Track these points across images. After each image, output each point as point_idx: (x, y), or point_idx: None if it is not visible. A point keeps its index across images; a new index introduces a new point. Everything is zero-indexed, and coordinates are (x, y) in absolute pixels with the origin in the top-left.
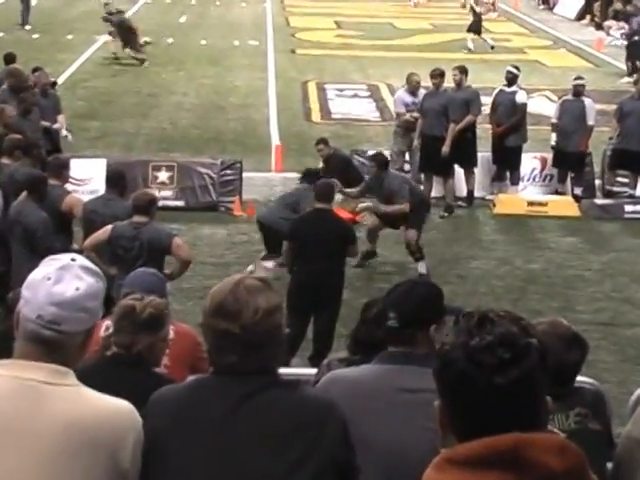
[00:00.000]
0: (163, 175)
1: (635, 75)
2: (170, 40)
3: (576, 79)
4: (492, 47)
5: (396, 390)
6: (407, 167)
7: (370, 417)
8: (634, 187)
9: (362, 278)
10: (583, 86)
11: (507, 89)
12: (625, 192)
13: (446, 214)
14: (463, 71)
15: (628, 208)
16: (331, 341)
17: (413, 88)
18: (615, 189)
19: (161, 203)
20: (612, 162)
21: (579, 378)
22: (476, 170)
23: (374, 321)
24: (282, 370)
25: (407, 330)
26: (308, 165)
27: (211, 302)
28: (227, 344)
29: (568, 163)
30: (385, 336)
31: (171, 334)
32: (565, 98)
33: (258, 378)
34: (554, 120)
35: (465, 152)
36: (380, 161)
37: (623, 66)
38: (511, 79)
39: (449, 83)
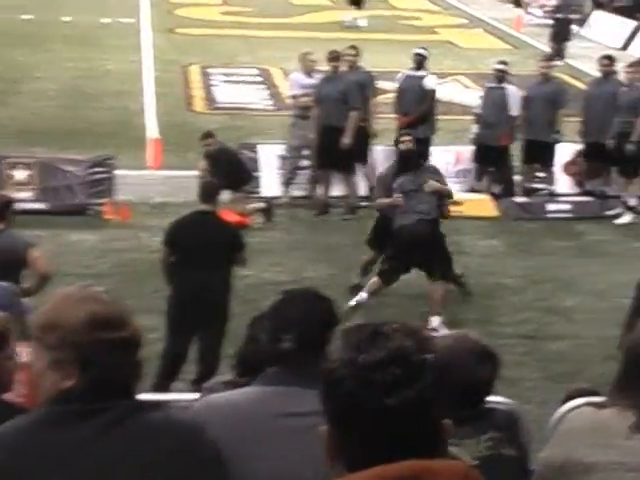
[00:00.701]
0: (21, 174)
1: (558, 58)
2: (27, 16)
3: (498, 63)
4: (358, 26)
5: (279, 415)
6: (306, 164)
7: (250, 446)
8: (551, 182)
9: (255, 290)
10: (505, 71)
11: (414, 73)
12: (545, 189)
13: (349, 216)
14: (356, 50)
15: (550, 207)
16: (217, 362)
17: (308, 68)
18: (535, 185)
19: (19, 206)
20: (525, 155)
21: (494, 398)
22: (380, 166)
23: (264, 339)
24: (161, 396)
25: (305, 352)
26: (190, 161)
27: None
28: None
29: (489, 158)
30: (277, 358)
31: (25, 356)
32: (488, 85)
33: (116, 402)
34: (476, 110)
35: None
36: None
37: (544, 47)
38: (419, 62)
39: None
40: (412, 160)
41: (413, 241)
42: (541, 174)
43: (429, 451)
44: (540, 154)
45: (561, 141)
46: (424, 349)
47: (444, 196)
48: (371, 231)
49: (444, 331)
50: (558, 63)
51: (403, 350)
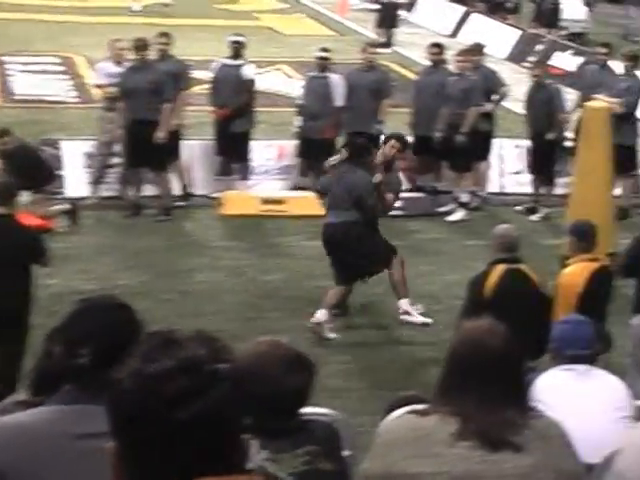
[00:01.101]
0: None
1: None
2: None
3: (321, 50)
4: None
5: (73, 436)
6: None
7: (39, 470)
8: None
9: (60, 300)
10: (328, 59)
11: (231, 62)
12: None
13: (163, 217)
14: (168, 38)
15: None
16: (15, 380)
17: (118, 57)
18: None
19: None
20: None
21: (315, 410)
22: (196, 162)
23: (60, 354)
24: None
25: (103, 367)
26: None
27: None
28: None
29: (313, 152)
30: (73, 375)
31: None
32: (310, 74)
33: None
34: (299, 101)
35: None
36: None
37: (370, 34)
38: (236, 50)
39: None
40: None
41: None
42: None
43: (225, 468)
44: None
45: (382, 132)
46: (219, 358)
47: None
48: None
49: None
50: (386, 51)
51: (195, 359)
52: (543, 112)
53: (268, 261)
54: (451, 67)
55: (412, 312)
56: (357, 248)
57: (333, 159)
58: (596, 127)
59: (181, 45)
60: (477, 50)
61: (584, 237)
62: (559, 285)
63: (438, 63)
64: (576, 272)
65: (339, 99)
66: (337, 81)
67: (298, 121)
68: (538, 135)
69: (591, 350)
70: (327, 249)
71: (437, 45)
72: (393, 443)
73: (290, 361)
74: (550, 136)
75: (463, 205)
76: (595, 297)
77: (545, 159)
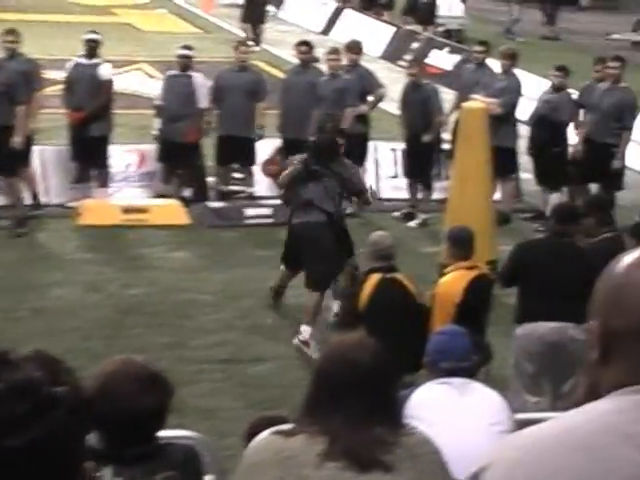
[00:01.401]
0: None
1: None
2: None
3: (182, 48)
4: None
5: None
6: None
7: None
8: (251, 184)
9: None
10: (190, 57)
11: (86, 61)
12: (243, 191)
13: (20, 230)
14: (15, 35)
15: (248, 212)
16: None
17: None
18: (232, 188)
19: None
20: (220, 154)
21: (175, 432)
22: (50, 169)
23: None
24: None
25: None
26: None
27: None
28: None
29: (176, 157)
30: None
31: None
32: (170, 73)
33: None
34: (157, 102)
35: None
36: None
37: (238, 31)
38: (91, 48)
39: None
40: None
41: None
42: (239, 175)
43: None
44: (238, 152)
45: (263, 137)
46: (58, 381)
47: None
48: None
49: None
50: (255, 49)
51: (30, 382)
52: (419, 113)
53: (130, 274)
54: (323, 66)
55: (311, 346)
56: (325, 249)
57: (295, 158)
58: (474, 129)
59: (31, 43)
60: (355, 48)
61: (461, 244)
62: (436, 295)
63: (307, 62)
64: (453, 281)
65: (203, 100)
66: (200, 81)
67: (158, 123)
68: (414, 137)
69: (468, 362)
70: (299, 247)
71: (305, 43)
72: (258, 466)
73: (143, 380)
74: (426, 138)
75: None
76: (474, 307)
77: (422, 162)
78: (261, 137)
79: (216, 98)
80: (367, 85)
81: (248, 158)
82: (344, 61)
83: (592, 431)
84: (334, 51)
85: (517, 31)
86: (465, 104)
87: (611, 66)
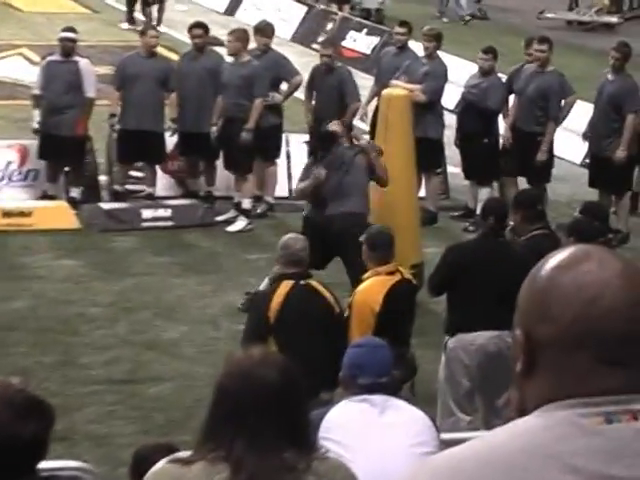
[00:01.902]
0: None
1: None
2: None
3: (65, 30)
4: None
5: None
6: None
7: None
8: (152, 183)
9: None
10: (74, 41)
11: None
12: (142, 191)
13: None
14: None
15: (146, 214)
16: None
17: None
18: (128, 187)
19: None
20: (120, 150)
21: (60, 463)
22: None
23: None
24: None
25: None
26: None
27: None
28: None
29: (57, 153)
30: None
31: None
32: (51, 59)
33: None
34: (36, 91)
35: None
36: None
37: (137, 13)
38: None
39: None
40: None
41: None
42: (137, 173)
43: None
44: (145, 149)
45: (174, 131)
46: None
47: None
48: None
49: None
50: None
51: None
52: (331, 99)
53: (11, 285)
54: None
55: None
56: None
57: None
58: (395, 118)
59: None
60: (265, 31)
61: (380, 246)
62: (354, 303)
63: (202, 47)
64: (372, 288)
65: (89, 89)
66: (87, 67)
67: (37, 115)
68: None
69: (389, 378)
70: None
71: (199, 25)
72: None
73: (20, 406)
74: (334, 126)
75: (244, 212)
76: (396, 316)
77: None
78: (175, 132)
79: (120, 88)
80: (281, 72)
81: (155, 156)
82: (253, 45)
83: (514, 450)
84: (231, 32)
85: (447, 11)
86: (385, 91)
87: (537, 49)
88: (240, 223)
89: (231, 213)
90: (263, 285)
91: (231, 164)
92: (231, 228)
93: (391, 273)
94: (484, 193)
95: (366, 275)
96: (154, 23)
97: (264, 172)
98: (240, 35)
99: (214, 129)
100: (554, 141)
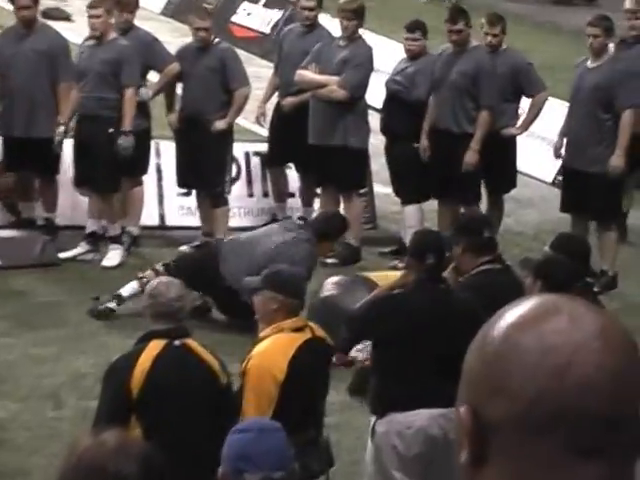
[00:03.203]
0: None
1: None
2: None
3: None
4: None
5: None
6: None
7: None
8: None
9: None
10: None
11: None
12: None
13: None
14: None
15: None
16: None
17: None
18: None
19: None
20: None
21: None
22: None
23: None
24: None
25: None
26: None
27: None
28: None
29: None
30: None
31: None
32: None
33: None
34: None
35: None
36: None
37: None
38: None
39: None
40: None
41: None
42: None
43: None
44: None
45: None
46: None
47: None
48: None
49: None
50: None
51: None
52: (207, 87)
53: None
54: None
55: None
56: None
57: None
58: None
59: None
60: (129, 3)
61: (287, 292)
62: (250, 370)
63: (31, 20)
64: (275, 349)
65: None
66: None
67: None
68: (194, 124)
69: (288, 473)
70: None
71: None
72: None
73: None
74: (220, 125)
75: (115, 240)
76: (304, 388)
77: (207, 166)
78: (62, 138)
79: None
80: (149, 58)
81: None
82: (112, 20)
83: None
84: (92, 5)
85: None
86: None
87: (455, 29)
88: (115, 253)
89: (81, 248)
90: (129, 289)
91: (89, 180)
92: (107, 262)
93: (299, 329)
94: (411, 215)
95: (266, 332)
96: None
97: (126, 194)
98: (109, 7)
99: (60, 130)
100: (515, 146)
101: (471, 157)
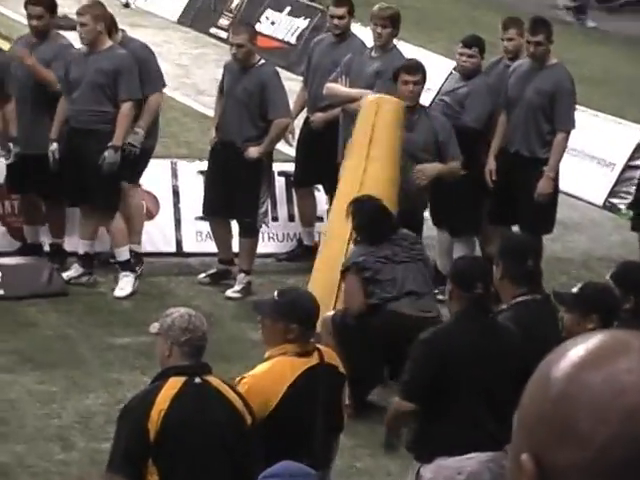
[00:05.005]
0: None
1: None
2: None
3: None
4: None
5: None
6: None
7: None
8: None
9: None
10: None
11: None
12: None
13: None
14: None
15: None
16: None
17: None
18: None
19: None
20: None
21: None
22: None
23: None
24: None
25: None
26: None
27: None
28: None
29: None
30: None
31: None
32: None
33: None
34: None
35: None
36: None
37: None
38: None
39: None
40: None
41: None
42: None
43: None
44: None
45: (12, 154)
46: None
47: None
48: None
49: None
50: None
51: None
52: (246, 111)
53: None
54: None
55: None
56: None
57: None
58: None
59: None
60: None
61: (299, 317)
62: (240, 387)
63: (44, 31)
64: (273, 371)
65: None
66: None
67: None
68: (232, 150)
69: None
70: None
71: (39, 1)
72: None
73: None
74: (253, 152)
75: (126, 266)
76: (300, 415)
77: (243, 193)
78: (13, 155)
79: None
80: (143, 69)
81: None
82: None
83: None
84: (85, 9)
85: None
86: (372, 97)
87: (534, 41)
88: (126, 282)
89: (74, 270)
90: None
91: (86, 200)
92: (119, 293)
93: (305, 354)
94: (460, 249)
95: (269, 353)
96: None
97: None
98: (98, 13)
99: (53, 147)
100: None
101: (546, 185)
